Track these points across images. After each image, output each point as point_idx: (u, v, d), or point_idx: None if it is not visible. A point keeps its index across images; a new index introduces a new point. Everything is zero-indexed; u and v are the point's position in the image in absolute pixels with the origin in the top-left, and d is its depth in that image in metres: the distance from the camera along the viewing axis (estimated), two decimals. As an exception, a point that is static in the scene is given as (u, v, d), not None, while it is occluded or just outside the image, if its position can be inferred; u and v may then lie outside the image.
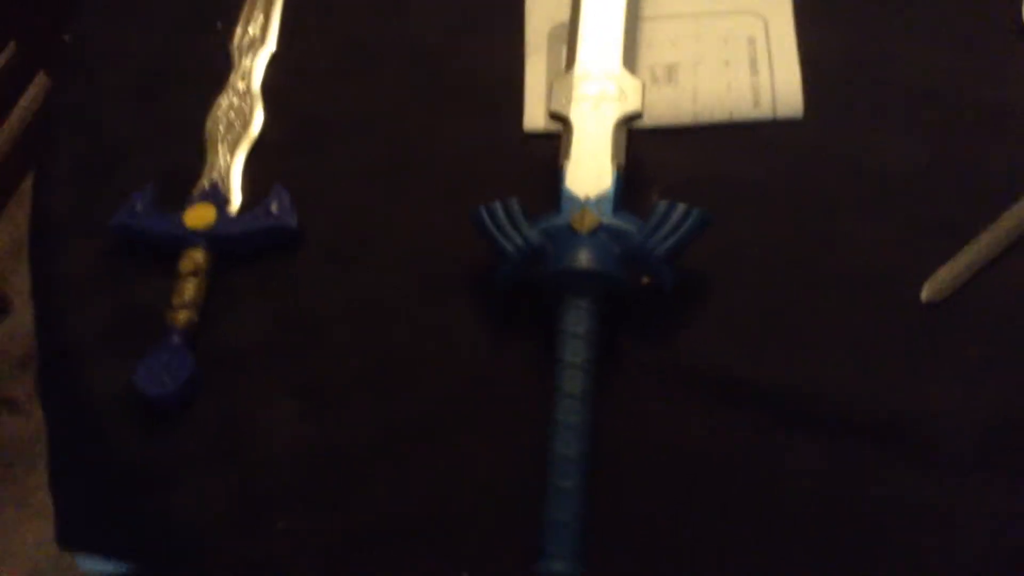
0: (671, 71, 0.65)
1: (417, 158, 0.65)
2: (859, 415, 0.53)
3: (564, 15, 0.66)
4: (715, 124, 0.63)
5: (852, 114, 0.62)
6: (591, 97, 0.59)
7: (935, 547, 0.49)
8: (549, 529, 0.49)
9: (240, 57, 0.69)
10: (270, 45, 0.70)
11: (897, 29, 0.64)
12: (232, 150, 0.65)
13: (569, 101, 0.59)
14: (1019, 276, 0.55)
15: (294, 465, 0.55)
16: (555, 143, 0.61)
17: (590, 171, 0.57)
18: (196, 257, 0.60)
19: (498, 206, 0.57)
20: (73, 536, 0.58)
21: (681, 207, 0.55)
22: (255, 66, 0.69)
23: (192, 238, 0.60)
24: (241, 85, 0.68)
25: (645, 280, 0.57)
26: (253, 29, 0.71)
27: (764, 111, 0.62)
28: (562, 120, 0.60)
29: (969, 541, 0.49)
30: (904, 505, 0.50)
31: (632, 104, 0.59)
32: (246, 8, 0.72)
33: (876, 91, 0.62)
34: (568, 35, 0.63)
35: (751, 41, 0.65)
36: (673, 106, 0.63)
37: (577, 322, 0.53)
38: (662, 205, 0.55)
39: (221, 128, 0.66)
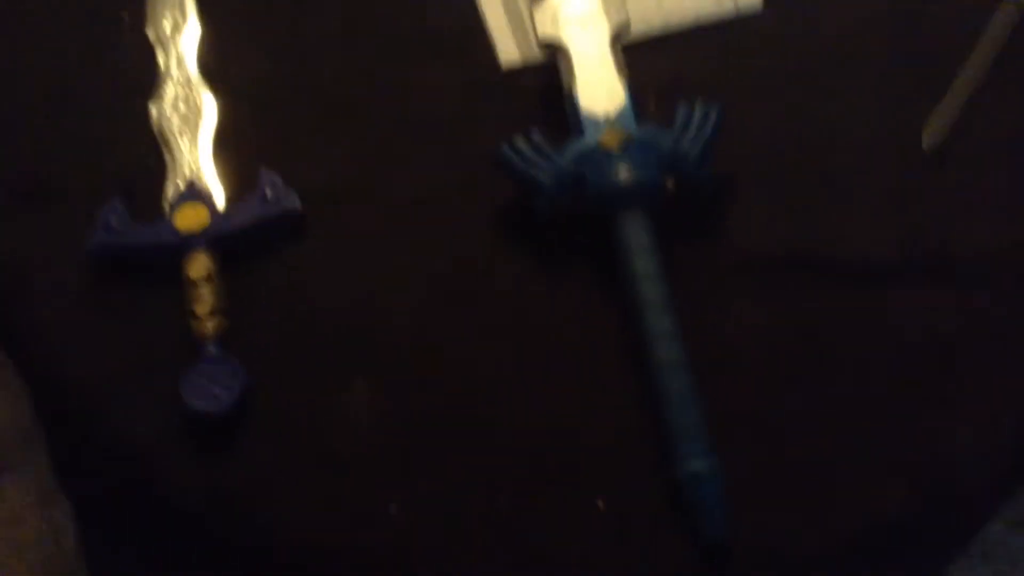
0: (629, -19, 0.65)
1: (398, 115, 0.62)
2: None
3: (505, -55, 0.65)
4: (683, 30, 0.64)
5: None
6: (577, 17, 0.59)
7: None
8: (675, 433, 0.49)
9: (166, 44, 0.63)
10: (193, 26, 0.64)
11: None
12: (194, 142, 0.59)
13: (557, 25, 0.59)
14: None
15: (383, 443, 0.52)
16: (537, 74, 0.61)
17: (600, 89, 0.57)
18: (203, 260, 0.54)
19: (520, 140, 0.55)
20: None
21: (702, 107, 0.56)
22: (184, 50, 0.63)
23: (192, 242, 0.55)
24: (178, 73, 0.62)
25: (670, 185, 0.58)
26: (172, 13, 0.64)
27: (727, 8, 0.64)
28: (554, 46, 0.59)
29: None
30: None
31: (620, 15, 0.59)
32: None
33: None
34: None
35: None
36: (641, 16, 0.64)
37: (639, 235, 0.53)
38: (682, 108, 0.56)
39: (175, 122, 0.60)
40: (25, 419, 0.84)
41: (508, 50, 0.63)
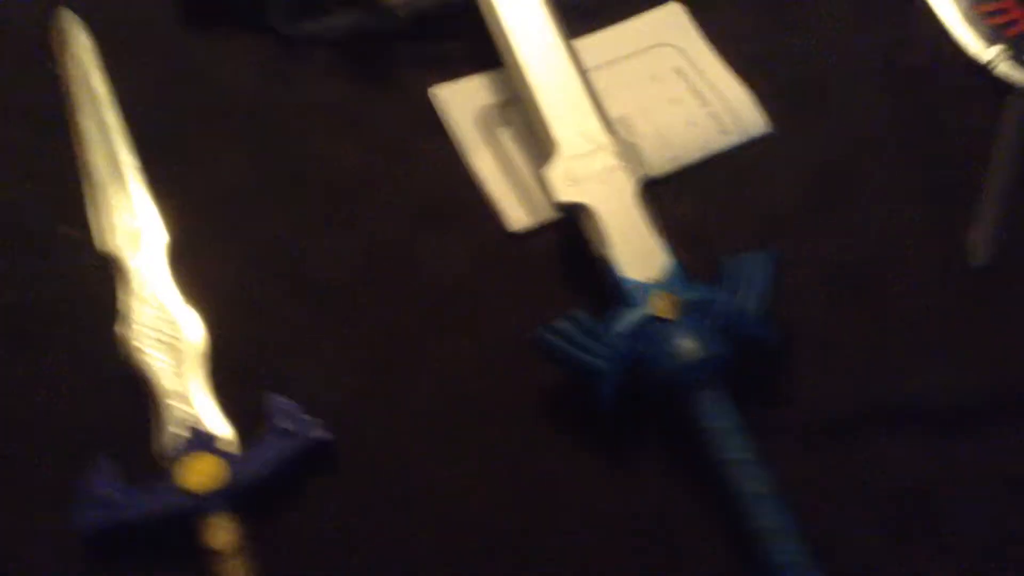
0: (625, 123, 0.60)
1: (403, 302, 0.55)
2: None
3: (481, 98, 0.60)
4: (694, 164, 0.60)
5: (814, 110, 0.61)
6: (596, 172, 0.54)
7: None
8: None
9: (126, 257, 0.55)
10: (158, 233, 0.56)
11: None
12: (183, 373, 0.51)
13: (577, 185, 0.53)
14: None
15: None
16: (543, 236, 0.56)
17: (638, 251, 0.52)
18: (227, 524, 0.46)
19: (564, 323, 0.49)
20: None
21: (749, 257, 0.51)
22: (150, 261, 0.55)
23: (209, 503, 0.46)
24: (148, 291, 0.54)
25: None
26: (126, 220, 0.56)
27: (733, 136, 0.60)
28: (574, 209, 0.53)
29: None
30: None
31: (639, 165, 0.54)
32: (97, 200, 0.57)
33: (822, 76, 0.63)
34: (529, 118, 0.56)
35: (679, 72, 0.63)
36: (649, 161, 0.59)
37: (724, 414, 0.48)
38: (728, 262, 0.51)
39: (153, 354, 0.51)
40: None
41: (514, 213, 0.57)
